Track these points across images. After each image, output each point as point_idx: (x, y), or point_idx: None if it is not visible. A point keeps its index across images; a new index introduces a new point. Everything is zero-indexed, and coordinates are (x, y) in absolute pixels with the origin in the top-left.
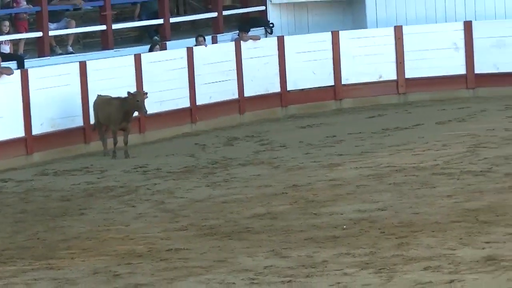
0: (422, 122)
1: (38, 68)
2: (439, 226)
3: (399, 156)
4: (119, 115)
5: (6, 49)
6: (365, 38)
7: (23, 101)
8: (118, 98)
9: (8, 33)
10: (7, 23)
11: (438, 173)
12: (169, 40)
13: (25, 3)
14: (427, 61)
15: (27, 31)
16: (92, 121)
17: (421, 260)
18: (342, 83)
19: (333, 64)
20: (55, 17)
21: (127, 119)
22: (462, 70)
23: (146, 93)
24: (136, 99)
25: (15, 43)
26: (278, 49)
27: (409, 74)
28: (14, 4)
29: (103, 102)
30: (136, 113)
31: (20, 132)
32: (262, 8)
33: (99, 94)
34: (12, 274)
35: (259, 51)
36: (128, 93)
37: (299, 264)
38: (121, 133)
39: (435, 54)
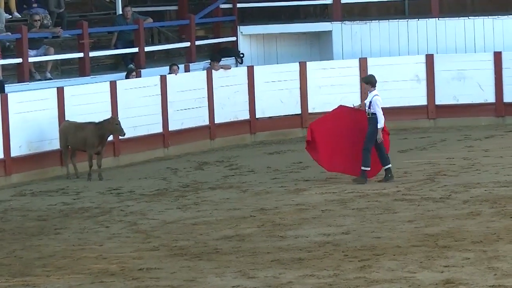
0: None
1: (18, 92)
2: (400, 250)
3: None
4: (95, 139)
5: None
6: (331, 69)
7: (2, 124)
8: (92, 123)
9: None
10: None
11: (399, 199)
12: (144, 68)
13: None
14: (390, 91)
15: (1, 57)
16: None
17: (382, 283)
18: (309, 111)
19: (301, 94)
20: (35, 44)
21: (102, 143)
22: (423, 101)
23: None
24: (115, 122)
25: None
26: (247, 78)
27: None
28: None
29: (75, 127)
30: (110, 137)
31: None
32: (233, 38)
33: (67, 119)
34: None
35: (229, 79)
36: (104, 120)
37: (266, 284)
38: (95, 157)
39: (398, 85)
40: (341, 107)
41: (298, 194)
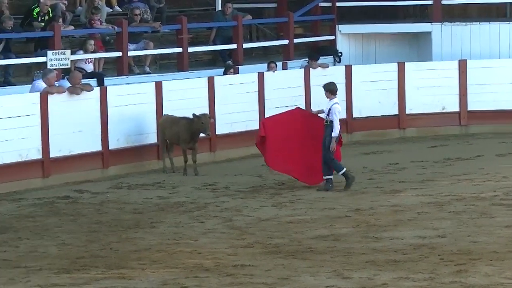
0: (482, 153)
1: (117, 86)
2: (497, 255)
3: (459, 186)
4: (187, 135)
5: (90, 67)
6: (430, 70)
7: (101, 117)
8: (185, 118)
9: (93, 52)
10: (92, 42)
11: (497, 204)
12: (242, 65)
13: (99, 23)
14: (489, 94)
15: (102, 50)
16: None
17: None
18: (406, 112)
19: (398, 94)
20: (134, 38)
21: (194, 139)
22: None
23: (211, 117)
24: (201, 121)
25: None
26: (345, 78)
27: (471, 106)
28: (91, 23)
29: (171, 121)
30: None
31: (97, 146)
32: (332, 37)
33: (165, 113)
34: (85, 281)
35: (327, 78)
36: (194, 115)
37: (360, 285)
38: (189, 152)
39: (497, 89)
40: (298, 109)
41: (394, 195)
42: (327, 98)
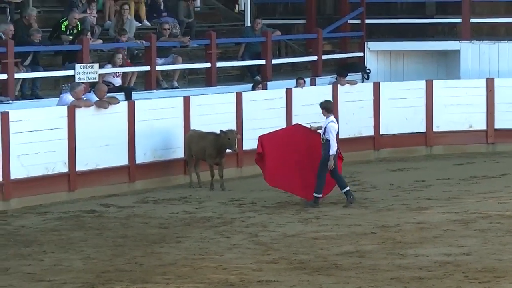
0: (509, 172)
1: (145, 100)
2: None
3: (485, 204)
4: (214, 150)
5: (118, 81)
6: (457, 88)
7: (128, 131)
8: (212, 134)
9: (121, 66)
10: (120, 56)
11: None
12: (270, 80)
13: (125, 38)
14: None
15: (129, 65)
16: None
17: None
18: (434, 130)
19: (426, 112)
20: (163, 52)
21: (221, 154)
22: None
23: (237, 133)
24: (228, 137)
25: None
26: (373, 94)
27: (498, 125)
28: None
29: (198, 136)
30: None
31: (124, 160)
32: (360, 54)
33: (192, 128)
34: None
35: (355, 95)
36: (221, 131)
37: None
38: (216, 167)
39: None
40: (297, 126)
41: (420, 212)
42: (324, 115)
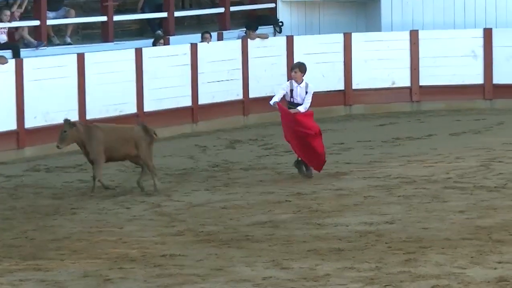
0: (435, 132)
1: (34, 58)
2: (449, 243)
3: (409, 168)
4: None
5: (3, 38)
6: (378, 42)
7: (16, 92)
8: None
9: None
10: (8, 12)
11: (450, 187)
12: (173, 35)
13: None
14: (443, 68)
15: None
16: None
17: (429, 278)
18: (353, 88)
19: (344, 68)
20: (54, 5)
21: None
22: (479, 80)
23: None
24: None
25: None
26: (286, 49)
27: (423, 81)
28: None
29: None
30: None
31: (11, 125)
32: (272, 5)
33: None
34: None
35: (266, 50)
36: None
37: (301, 276)
38: None
39: (451, 62)
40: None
41: (339, 178)
42: (295, 80)
